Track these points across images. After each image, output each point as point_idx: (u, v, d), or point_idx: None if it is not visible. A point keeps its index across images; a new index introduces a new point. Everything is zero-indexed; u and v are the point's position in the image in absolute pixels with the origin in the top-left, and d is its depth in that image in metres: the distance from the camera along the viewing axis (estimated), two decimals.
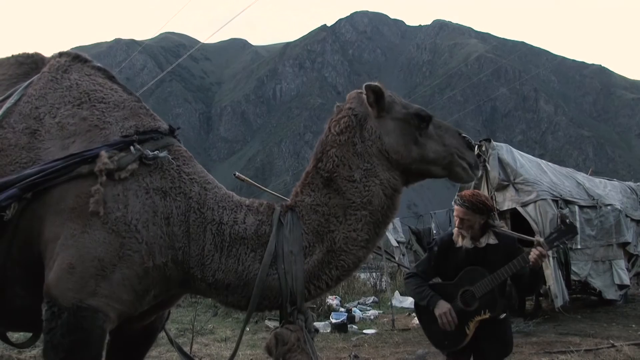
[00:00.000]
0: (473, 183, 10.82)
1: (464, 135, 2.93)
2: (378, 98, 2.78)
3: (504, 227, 10.17)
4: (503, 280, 3.67)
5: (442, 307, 3.73)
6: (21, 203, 2.49)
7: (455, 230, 3.95)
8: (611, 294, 11.00)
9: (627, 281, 11.39)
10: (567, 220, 3.67)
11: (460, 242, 3.95)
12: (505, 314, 3.87)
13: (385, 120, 2.80)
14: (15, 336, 3.70)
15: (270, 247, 2.66)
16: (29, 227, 2.54)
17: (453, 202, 4.13)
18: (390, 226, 17.48)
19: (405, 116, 2.81)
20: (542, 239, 3.67)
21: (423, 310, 4.01)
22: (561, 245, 3.62)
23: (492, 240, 3.87)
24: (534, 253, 3.52)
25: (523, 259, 3.58)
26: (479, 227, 3.88)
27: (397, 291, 14.77)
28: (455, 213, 3.93)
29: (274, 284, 2.66)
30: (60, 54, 3.15)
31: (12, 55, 3.35)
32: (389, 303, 12.13)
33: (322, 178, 2.77)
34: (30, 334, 2.99)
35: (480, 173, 3.22)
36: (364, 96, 2.81)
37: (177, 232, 2.61)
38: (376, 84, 2.78)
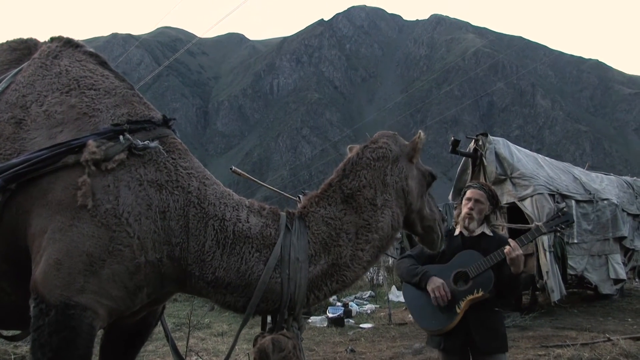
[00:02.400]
0: (469, 178, 10.85)
1: (440, 209, 3.25)
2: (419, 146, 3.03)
3: (500, 227, 10.21)
4: (498, 262, 3.68)
5: (435, 282, 3.75)
6: (5, 194, 2.40)
7: (464, 212, 3.98)
8: (607, 288, 11.04)
9: (623, 275, 11.43)
10: (564, 209, 3.76)
11: (457, 231, 4.04)
12: (498, 309, 3.88)
13: (413, 167, 3.03)
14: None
15: (277, 250, 2.63)
16: (14, 221, 2.44)
17: (450, 197, 4.23)
18: None
19: (425, 170, 3.11)
20: (540, 223, 3.78)
21: (411, 290, 4.03)
22: (556, 228, 3.73)
23: (488, 231, 3.97)
24: (507, 246, 3.60)
25: (520, 240, 3.67)
26: (484, 216, 4.00)
27: (393, 285, 14.80)
28: (469, 195, 4.01)
29: (275, 288, 2.62)
30: (52, 39, 3.05)
31: (6, 41, 3.25)
32: (386, 297, 12.16)
33: (342, 194, 2.85)
34: None
35: (443, 247, 3.45)
36: (411, 141, 3.06)
37: (175, 227, 2.50)
38: (423, 135, 3.05)
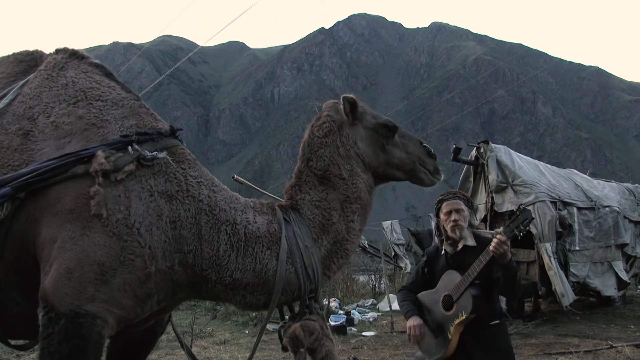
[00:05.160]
0: (472, 186, 10.86)
1: (425, 144, 3.24)
2: (353, 108, 3.05)
3: (481, 227, 10.19)
4: (475, 278, 3.60)
5: (411, 321, 3.82)
6: (14, 203, 2.42)
7: (449, 227, 3.87)
8: (610, 291, 10.98)
9: (626, 279, 11.39)
10: (521, 206, 3.65)
11: (442, 249, 3.96)
12: (497, 321, 3.78)
13: (358, 128, 3.09)
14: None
15: (284, 243, 2.74)
16: (23, 229, 2.45)
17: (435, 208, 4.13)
18: (388, 228, 17.59)
19: (375, 126, 3.11)
20: (500, 229, 3.63)
21: None
22: (517, 232, 3.52)
23: (471, 242, 3.84)
24: (493, 242, 3.48)
25: (487, 251, 3.53)
26: (467, 222, 3.89)
27: (390, 293, 14.80)
28: (448, 208, 3.89)
29: (292, 279, 2.73)
30: (57, 51, 3.08)
31: (13, 54, 3.27)
32: (385, 302, 12.12)
33: (316, 176, 2.97)
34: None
35: (442, 178, 3.33)
36: (341, 106, 3.07)
37: (186, 235, 2.55)
38: (351, 95, 3.06)
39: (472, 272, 3.61)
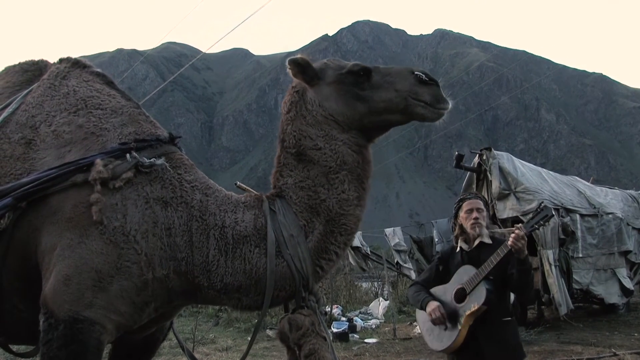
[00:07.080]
0: (473, 190, 10.85)
1: (416, 72, 2.75)
2: (303, 69, 2.78)
3: (495, 227, 10.19)
4: (489, 273, 3.71)
5: (431, 305, 3.85)
6: (16, 212, 2.46)
7: (469, 223, 3.99)
8: (614, 298, 10.97)
9: (631, 287, 11.37)
10: (542, 204, 3.78)
11: (458, 246, 4.07)
12: (509, 318, 3.89)
13: (320, 87, 2.82)
14: (16, 346, 3.69)
15: (270, 236, 2.63)
16: (25, 238, 2.50)
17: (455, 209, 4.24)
18: (391, 234, 17.54)
19: (338, 77, 2.80)
20: (520, 225, 3.73)
21: (421, 315, 4.13)
22: (537, 226, 3.73)
23: (487, 239, 3.97)
24: (511, 237, 3.59)
25: (504, 246, 3.66)
26: (485, 221, 4.03)
27: (382, 298, 14.84)
28: (469, 207, 4.02)
29: (284, 272, 2.63)
30: (61, 60, 3.13)
31: (19, 63, 3.32)
32: (391, 312, 12.11)
33: (292, 156, 2.80)
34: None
35: (449, 106, 2.72)
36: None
37: (180, 242, 2.56)
38: (298, 56, 2.78)
39: (488, 265, 3.71)
